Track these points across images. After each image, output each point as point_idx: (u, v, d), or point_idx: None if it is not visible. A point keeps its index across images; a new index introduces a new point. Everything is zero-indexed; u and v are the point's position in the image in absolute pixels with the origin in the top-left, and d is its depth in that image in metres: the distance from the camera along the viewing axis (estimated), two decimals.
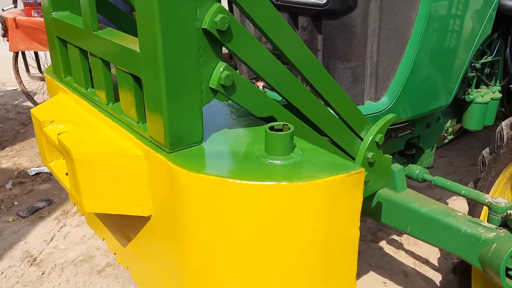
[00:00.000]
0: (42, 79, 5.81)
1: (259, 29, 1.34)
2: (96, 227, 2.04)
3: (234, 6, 1.71)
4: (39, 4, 5.04)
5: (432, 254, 3.25)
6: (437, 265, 3.15)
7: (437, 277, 3.04)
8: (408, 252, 3.28)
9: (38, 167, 4.57)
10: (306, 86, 1.57)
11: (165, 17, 1.14)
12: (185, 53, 1.22)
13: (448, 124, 2.65)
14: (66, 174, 1.66)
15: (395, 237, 3.44)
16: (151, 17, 1.15)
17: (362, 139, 1.85)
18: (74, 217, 3.75)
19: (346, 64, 1.87)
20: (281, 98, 1.76)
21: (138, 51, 1.27)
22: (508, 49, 2.66)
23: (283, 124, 1.30)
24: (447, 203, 3.87)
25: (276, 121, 1.49)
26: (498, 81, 2.75)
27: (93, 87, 1.75)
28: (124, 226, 1.68)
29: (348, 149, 1.82)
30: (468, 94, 2.54)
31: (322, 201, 1.19)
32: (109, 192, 1.43)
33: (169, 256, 1.42)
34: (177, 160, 1.25)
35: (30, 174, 4.44)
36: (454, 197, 3.94)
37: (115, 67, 1.45)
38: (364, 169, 1.23)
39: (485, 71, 2.69)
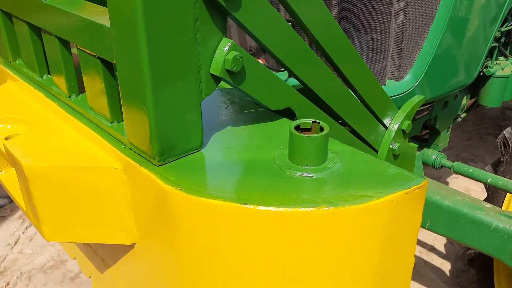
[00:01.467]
0: None
1: None
2: (66, 244, 1.67)
3: None
4: None
5: (438, 240, 3.02)
6: (444, 252, 2.93)
7: (446, 266, 2.81)
8: None
9: None
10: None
11: None
12: (176, 27, 0.85)
13: (464, 100, 2.36)
14: (20, 188, 1.29)
15: None
16: None
17: (386, 127, 1.54)
18: None
19: (365, 36, 1.52)
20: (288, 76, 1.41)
21: (108, 25, 0.90)
22: None
23: (312, 122, 0.96)
24: (447, 182, 3.65)
25: (294, 112, 1.15)
26: None
27: (49, 74, 1.36)
28: (101, 250, 1.33)
29: (370, 140, 1.51)
30: (489, 67, 2.24)
31: (375, 228, 0.87)
32: (77, 217, 1.07)
33: None
34: (171, 177, 0.90)
35: None
36: (454, 176, 3.72)
37: (77, 47, 1.07)
38: (427, 181, 0.91)
39: (501, 40, 2.39)
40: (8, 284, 2.69)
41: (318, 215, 0.82)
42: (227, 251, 0.88)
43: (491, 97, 2.31)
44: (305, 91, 1.20)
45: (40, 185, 1.04)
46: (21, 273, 2.78)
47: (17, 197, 1.27)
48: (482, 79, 2.30)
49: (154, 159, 0.94)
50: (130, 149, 1.01)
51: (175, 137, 0.95)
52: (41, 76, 1.36)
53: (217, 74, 0.94)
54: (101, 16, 0.97)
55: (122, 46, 0.88)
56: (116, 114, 1.08)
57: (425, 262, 2.85)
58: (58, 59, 1.19)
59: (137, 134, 0.96)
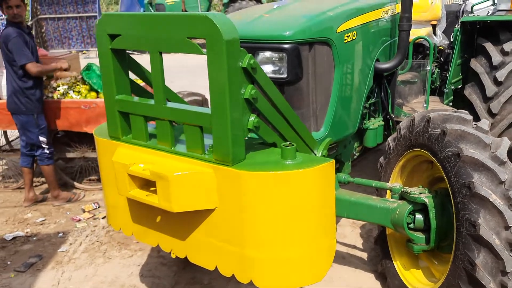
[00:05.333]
0: None
1: (266, 94, 2.50)
2: (148, 238, 2.92)
3: None
4: None
5: (358, 241, 4.50)
6: (362, 247, 4.40)
7: (364, 255, 4.28)
8: (341, 243, 4.50)
9: (11, 232, 5.03)
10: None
11: (231, 93, 2.25)
12: (237, 111, 2.32)
13: (356, 145, 4.01)
14: (146, 195, 2.60)
15: None
16: (223, 95, 2.24)
17: (315, 154, 3.06)
18: (68, 264, 4.37)
19: (298, 111, 3.10)
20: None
21: (210, 112, 2.34)
22: (382, 93, 4.14)
23: (289, 143, 2.46)
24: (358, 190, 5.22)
25: (276, 144, 2.64)
26: (380, 114, 4.21)
27: (150, 139, 2.73)
28: (184, 224, 2.63)
29: None
30: (365, 124, 3.93)
31: (319, 177, 2.34)
32: (190, 197, 2.43)
33: (230, 228, 2.43)
34: (239, 168, 2.33)
35: (8, 240, 4.89)
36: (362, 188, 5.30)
37: (184, 124, 2.48)
38: (334, 160, 2.42)
39: (372, 108, 4.13)
40: None
41: (297, 173, 2.29)
42: (265, 193, 2.29)
43: (369, 141, 3.99)
44: (279, 135, 2.70)
45: (175, 183, 2.39)
46: None
47: (147, 198, 2.57)
48: (363, 131, 3.98)
49: (230, 163, 2.35)
50: (216, 162, 2.41)
51: (237, 154, 2.37)
52: (146, 142, 2.73)
53: (250, 128, 2.40)
54: (200, 109, 2.41)
55: (217, 120, 2.31)
56: (204, 150, 2.48)
57: (351, 255, 4.30)
58: (167, 132, 2.58)
59: (222, 155, 2.36)
